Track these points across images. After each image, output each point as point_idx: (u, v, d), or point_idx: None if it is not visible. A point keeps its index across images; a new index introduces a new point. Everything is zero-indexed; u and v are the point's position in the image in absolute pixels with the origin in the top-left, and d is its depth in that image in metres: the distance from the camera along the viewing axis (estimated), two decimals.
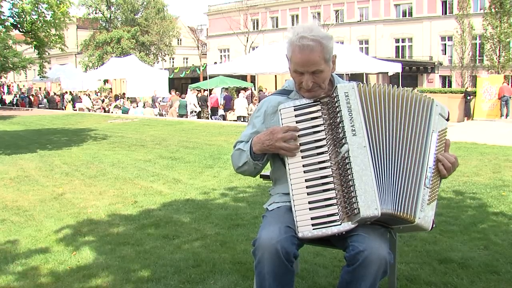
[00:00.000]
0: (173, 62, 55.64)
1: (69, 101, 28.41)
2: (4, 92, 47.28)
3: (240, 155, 2.16)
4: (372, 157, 1.90)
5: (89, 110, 25.81)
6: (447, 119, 2.05)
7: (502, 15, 27.61)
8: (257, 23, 43.71)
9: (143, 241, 3.67)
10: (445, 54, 35.66)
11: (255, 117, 2.23)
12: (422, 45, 36.40)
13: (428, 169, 1.93)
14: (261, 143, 2.04)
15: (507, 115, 19.48)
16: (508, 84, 21.75)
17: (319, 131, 1.98)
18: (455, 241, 3.52)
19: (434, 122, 1.99)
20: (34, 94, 34.59)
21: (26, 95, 35.02)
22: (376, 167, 1.90)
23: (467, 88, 22.64)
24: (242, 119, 18.62)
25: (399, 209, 1.86)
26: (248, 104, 19.35)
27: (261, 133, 2.08)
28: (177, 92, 24.14)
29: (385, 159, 1.93)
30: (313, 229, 1.90)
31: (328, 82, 2.07)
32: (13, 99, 36.45)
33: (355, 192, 1.85)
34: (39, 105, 30.70)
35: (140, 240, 3.70)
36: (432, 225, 1.92)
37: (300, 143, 1.99)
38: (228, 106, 20.66)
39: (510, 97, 19.49)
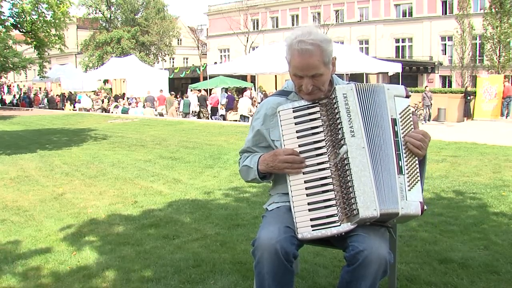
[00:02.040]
0: (173, 62, 55.64)
1: (62, 98, 28.35)
2: (4, 92, 47.28)
3: (248, 171, 2.20)
4: (370, 157, 1.91)
5: (87, 110, 25.80)
6: (407, 96, 2.03)
7: (502, 15, 27.62)
8: (257, 23, 43.73)
9: (143, 241, 3.67)
10: (445, 54, 35.67)
11: (255, 120, 2.24)
12: (422, 45, 36.40)
13: (397, 156, 1.93)
14: (266, 164, 2.08)
15: (507, 115, 19.49)
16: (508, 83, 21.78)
17: (318, 133, 1.98)
18: (455, 241, 3.52)
19: (389, 106, 1.98)
20: (35, 94, 34.60)
21: (26, 95, 35.03)
22: (374, 168, 1.90)
23: (467, 88, 22.65)
24: (243, 119, 18.61)
25: (384, 205, 1.86)
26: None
27: (266, 154, 2.10)
28: (172, 93, 24.15)
29: (380, 158, 1.93)
30: (313, 230, 1.91)
31: (328, 83, 2.07)
32: (13, 99, 36.44)
33: (354, 193, 1.86)
34: (39, 105, 30.70)
35: (140, 240, 3.70)
36: (423, 208, 1.91)
37: (299, 145, 1.99)
38: (231, 106, 20.62)
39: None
